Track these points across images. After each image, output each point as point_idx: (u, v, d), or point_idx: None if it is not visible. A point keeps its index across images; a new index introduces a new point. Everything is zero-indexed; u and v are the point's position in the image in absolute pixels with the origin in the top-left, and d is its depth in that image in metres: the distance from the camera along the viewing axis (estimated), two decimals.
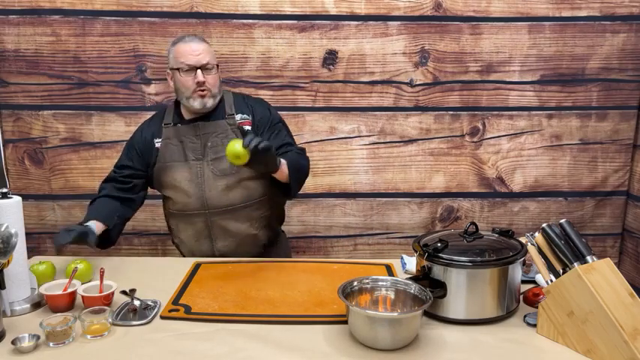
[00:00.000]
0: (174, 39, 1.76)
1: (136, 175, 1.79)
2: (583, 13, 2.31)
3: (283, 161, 1.60)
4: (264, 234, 1.83)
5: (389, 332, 1.12)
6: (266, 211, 1.82)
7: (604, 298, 1.09)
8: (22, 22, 2.21)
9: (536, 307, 1.24)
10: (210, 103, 1.72)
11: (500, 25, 2.31)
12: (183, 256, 1.87)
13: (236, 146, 1.39)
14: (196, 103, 1.70)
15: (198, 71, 1.67)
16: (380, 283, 1.29)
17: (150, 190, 2.06)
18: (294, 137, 1.87)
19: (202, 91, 1.69)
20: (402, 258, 1.67)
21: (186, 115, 1.79)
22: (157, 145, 1.78)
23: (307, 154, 1.81)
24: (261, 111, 1.80)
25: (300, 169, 1.72)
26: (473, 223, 1.38)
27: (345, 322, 1.21)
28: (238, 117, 1.77)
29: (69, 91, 2.29)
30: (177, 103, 1.82)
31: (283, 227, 2.03)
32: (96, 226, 1.58)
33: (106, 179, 1.82)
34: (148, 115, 2.29)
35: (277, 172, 1.59)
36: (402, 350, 1.13)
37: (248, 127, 1.76)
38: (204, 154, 1.74)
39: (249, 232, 1.79)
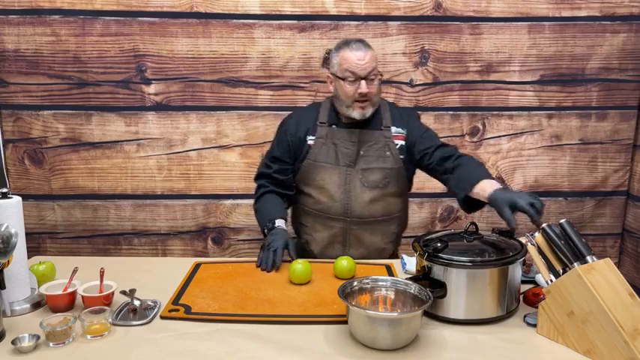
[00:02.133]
0: (339, 41, 1.72)
1: (284, 171, 1.78)
2: (583, 13, 2.31)
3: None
4: (390, 248, 1.84)
5: (389, 332, 1.12)
6: (398, 226, 1.83)
7: (604, 298, 1.09)
8: (22, 22, 2.21)
9: (536, 307, 1.25)
10: (369, 112, 1.70)
11: (500, 25, 2.31)
12: (312, 254, 1.82)
13: (344, 263, 1.52)
14: (355, 114, 1.68)
15: (362, 82, 1.63)
16: (380, 283, 1.30)
17: (150, 190, 2.04)
18: None
19: (364, 102, 1.66)
20: (402, 258, 1.67)
21: (344, 118, 1.75)
22: (310, 141, 1.75)
23: None
24: (416, 126, 1.79)
25: None
26: (473, 223, 1.38)
27: (345, 322, 1.21)
28: (393, 130, 1.76)
29: (69, 91, 2.28)
30: (333, 102, 1.78)
31: None
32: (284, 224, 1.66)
33: (262, 174, 1.81)
34: (149, 114, 2.31)
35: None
36: (402, 350, 1.14)
37: (402, 142, 1.75)
38: (355, 161, 1.72)
39: (379, 246, 1.79)
